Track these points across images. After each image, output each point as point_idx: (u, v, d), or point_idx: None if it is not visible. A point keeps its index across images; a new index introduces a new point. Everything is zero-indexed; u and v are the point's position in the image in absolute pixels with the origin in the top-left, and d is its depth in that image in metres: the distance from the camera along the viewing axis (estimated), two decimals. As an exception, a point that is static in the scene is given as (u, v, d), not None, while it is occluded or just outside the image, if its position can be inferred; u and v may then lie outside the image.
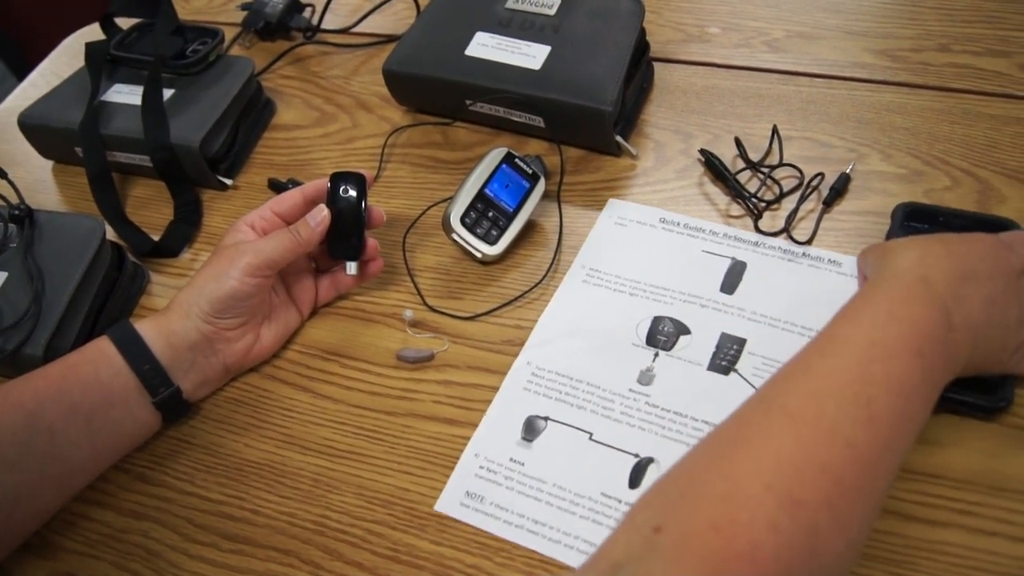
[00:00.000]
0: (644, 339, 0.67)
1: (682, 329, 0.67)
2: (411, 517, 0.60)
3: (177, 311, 0.64)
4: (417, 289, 0.73)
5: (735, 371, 0.64)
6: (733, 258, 0.71)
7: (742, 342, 0.65)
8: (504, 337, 0.68)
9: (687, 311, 0.68)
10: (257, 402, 0.68)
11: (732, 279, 0.69)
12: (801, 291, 0.68)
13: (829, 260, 0.69)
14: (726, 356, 0.65)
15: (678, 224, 0.74)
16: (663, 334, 0.67)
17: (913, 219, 0.68)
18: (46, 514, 0.61)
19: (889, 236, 0.68)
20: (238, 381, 0.69)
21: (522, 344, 0.68)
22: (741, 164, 0.76)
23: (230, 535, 0.61)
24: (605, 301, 0.70)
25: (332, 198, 0.69)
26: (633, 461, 0.60)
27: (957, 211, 0.68)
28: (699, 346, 0.66)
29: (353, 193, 0.69)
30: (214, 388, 0.68)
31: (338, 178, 0.69)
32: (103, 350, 0.61)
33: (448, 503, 0.60)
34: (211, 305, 0.63)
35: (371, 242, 0.70)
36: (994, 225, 0.65)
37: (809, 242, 0.70)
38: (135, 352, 0.61)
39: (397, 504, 0.61)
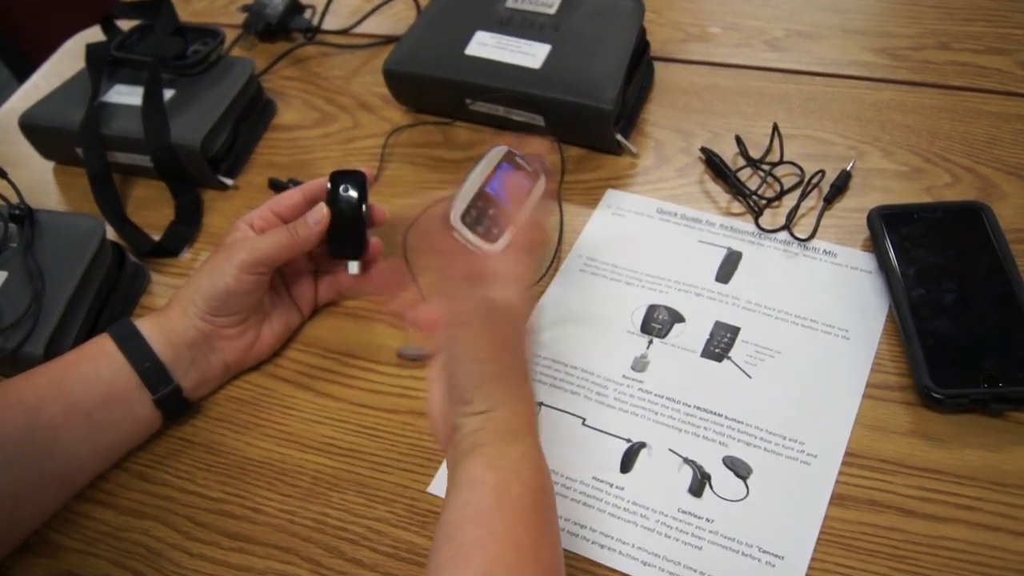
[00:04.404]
0: (639, 327, 0.67)
1: (676, 317, 0.67)
2: (411, 514, 0.60)
3: (176, 309, 0.63)
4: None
5: (728, 358, 0.64)
6: (728, 248, 0.71)
7: (736, 330, 0.66)
8: (505, 335, 0.68)
9: (682, 300, 0.68)
10: (258, 400, 0.68)
11: (727, 269, 0.70)
12: (795, 281, 0.68)
13: (824, 251, 0.70)
14: (719, 344, 0.65)
15: (675, 215, 0.74)
16: (657, 322, 0.67)
17: (892, 222, 0.68)
18: (46, 512, 0.61)
19: (874, 243, 0.68)
20: (239, 379, 0.69)
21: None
22: (742, 162, 0.76)
23: (231, 533, 0.61)
24: (601, 289, 0.70)
25: (332, 197, 0.68)
26: (625, 446, 0.61)
27: (928, 205, 0.69)
28: (693, 334, 0.66)
29: (353, 193, 0.68)
30: (214, 386, 0.68)
31: (338, 177, 0.69)
32: (103, 347, 0.61)
33: (441, 486, 0.60)
34: (207, 302, 0.63)
35: (374, 240, 0.70)
36: (966, 211, 0.67)
37: (810, 239, 0.70)
38: (135, 349, 0.61)
39: (397, 501, 0.61)
